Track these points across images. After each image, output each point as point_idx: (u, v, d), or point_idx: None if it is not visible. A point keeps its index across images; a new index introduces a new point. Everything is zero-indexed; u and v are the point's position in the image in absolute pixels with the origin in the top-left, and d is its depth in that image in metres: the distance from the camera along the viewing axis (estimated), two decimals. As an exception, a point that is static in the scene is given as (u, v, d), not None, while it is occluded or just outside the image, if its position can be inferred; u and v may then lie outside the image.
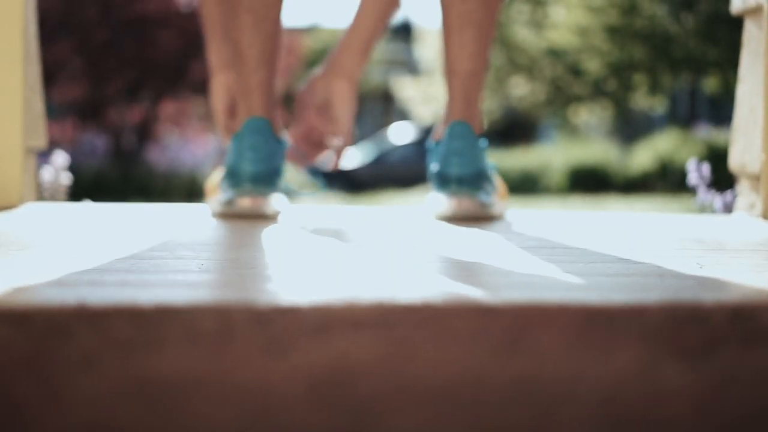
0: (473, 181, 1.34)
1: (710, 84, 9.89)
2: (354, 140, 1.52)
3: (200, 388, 0.39)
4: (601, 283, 0.71)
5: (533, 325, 0.52)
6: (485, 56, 1.37)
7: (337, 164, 1.54)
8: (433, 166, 1.39)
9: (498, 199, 1.42)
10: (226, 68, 1.51)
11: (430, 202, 1.41)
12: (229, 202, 1.35)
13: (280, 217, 1.37)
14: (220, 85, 1.52)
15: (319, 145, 1.55)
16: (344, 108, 1.50)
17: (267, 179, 1.35)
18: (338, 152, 1.54)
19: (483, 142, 1.38)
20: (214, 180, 1.46)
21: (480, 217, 1.35)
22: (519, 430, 0.34)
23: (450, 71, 1.37)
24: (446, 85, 1.39)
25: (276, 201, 1.37)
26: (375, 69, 17.33)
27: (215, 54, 1.52)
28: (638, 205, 6.48)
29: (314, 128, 1.52)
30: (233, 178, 1.35)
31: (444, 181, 1.35)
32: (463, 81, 1.37)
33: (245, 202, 1.34)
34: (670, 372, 0.42)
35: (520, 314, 0.55)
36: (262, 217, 1.35)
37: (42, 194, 2.03)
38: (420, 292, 0.65)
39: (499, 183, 1.45)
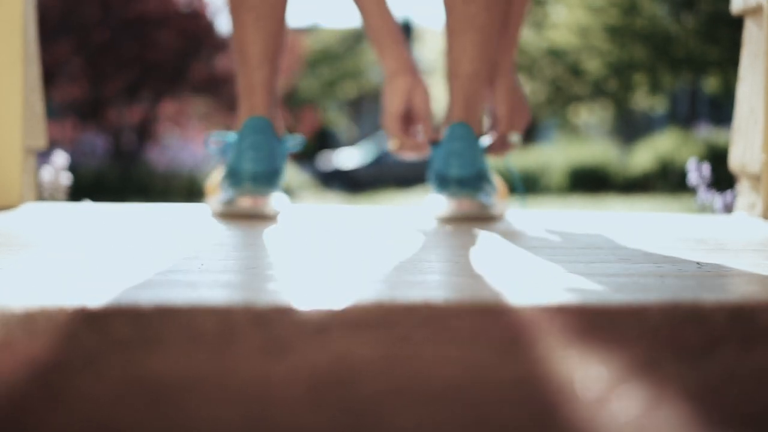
0: (473, 182, 1.34)
1: (710, 84, 9.89)
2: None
3: (200, 388, 0.39)
4: (601, 283, 0.71)
5: (533, 325, 0.52)
6: (487, 59, 1.37)
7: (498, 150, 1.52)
8: (433, 168, 1.39)
9: (498, 199, 1.42)
10: (404, 71, 1.43)
11: (430, 203, 1.41)
12: (230, 202, 1.34)
13: (280, 217, 1.37)
14: (397, 88, 1.43)
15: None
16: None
17: (267, 179, 1.34)
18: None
19: (483, 143, 1.38)
20: (215, 179, 1.45)
21: (480, 218, 1.35)
22: (519, 430, 0.34)
23: (451, 73, 1.38)
24: (448, 86, 1.39)
25: (276, 201, 1.37)
26: (375, 69, 17.31)
27: (391, 58, 1.43)
28: (638, 205, 6.47)
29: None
30: (234, 177, 1.34)
31: (444, 183, 1.35)
32: (463, 83, 1.36)
33: (245, 202, 1.33)
34: (670, 372, 0.42)
35: (520, 314, 0.55)
36: (262, 217, 1.34)
37: (42, 194, 2.03)
38: (420, 292, 0.65)
39: (499, 183, 1.45)
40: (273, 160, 1.35)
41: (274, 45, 1.36)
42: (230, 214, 1.35)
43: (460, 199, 1.34)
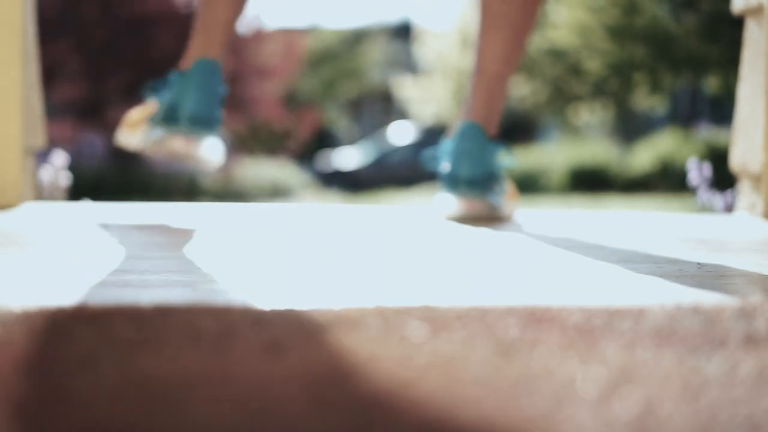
0: (483, 182, 1.34)
1: (711, 83, 9.87)
2: None
3: (200, 388, 0.38)
4: (601, 283, 0.71)
5: (533, 324, 0.52)
6: (514, 61, 1.37)
7: None
8: (444, 166, 1.38)
9: (507, 200, 1.42)
10: None
11: (439, 203, 1.40)
12: (160, 141, 1.27)
13: (212, 165, 1.31)
14: None
15: None
16: None
17: (207, 122, 1.27)
18: None
19: (496, 144, 1.37)
20: (137, 114, 1.37)
21: (489, 218, 1.35)
22: (519, 430, 0.34)
23: (478, 69, 1.37)
24: (471, 82, 1.39)
25: (211, 147, 1.30)
26: (375, 69, 17.31)
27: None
28: (639, 205, 6.47)
29: None
30: (170, 114, 1.27)
31: (454, 182, 1.35)
32: (489, 81, 1.36)
33: (178, 143, 1.26)
34: (671, 372, 0.42)
35: (520, 314, 0.55)
36: (193, 161, 1.28)
37: (41, 194, 2.02)
38: (420, 292, 0.65)
39: (508, 184, 1.45)
40: (215, 104, 1.29)
41: None
42: (158, 153, 1.29)
43: (470, 199, 1.34)
